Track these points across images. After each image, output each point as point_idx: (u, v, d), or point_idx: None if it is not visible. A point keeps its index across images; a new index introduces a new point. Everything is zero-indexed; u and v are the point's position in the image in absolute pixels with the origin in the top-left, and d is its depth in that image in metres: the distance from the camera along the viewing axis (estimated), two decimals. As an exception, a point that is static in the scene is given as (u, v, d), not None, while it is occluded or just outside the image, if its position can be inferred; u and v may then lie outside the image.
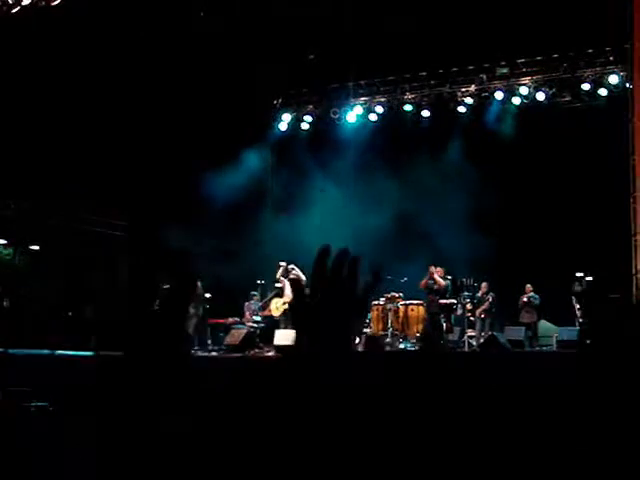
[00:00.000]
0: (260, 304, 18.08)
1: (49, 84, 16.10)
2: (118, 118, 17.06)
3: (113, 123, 17.03)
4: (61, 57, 16.00)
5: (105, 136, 16.98)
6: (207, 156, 18.49)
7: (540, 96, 18.33)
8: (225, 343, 17.04)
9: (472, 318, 16.80)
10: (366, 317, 17.11)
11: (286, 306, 16.79)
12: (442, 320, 16.33)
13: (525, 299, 16.81)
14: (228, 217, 19.16)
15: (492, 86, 18.83)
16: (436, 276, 16.33)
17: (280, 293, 17.26)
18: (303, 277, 17.14)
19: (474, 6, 16.24)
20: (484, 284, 16.90)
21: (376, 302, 16.96)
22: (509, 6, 16.11)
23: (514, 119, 18.91)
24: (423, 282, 16.47)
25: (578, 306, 16.22)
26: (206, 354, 16.71)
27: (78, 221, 17.91)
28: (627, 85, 16.63)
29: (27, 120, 16.12)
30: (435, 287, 16.34)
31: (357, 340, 15.69)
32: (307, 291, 1.88)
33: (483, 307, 16.70)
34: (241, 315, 18.27)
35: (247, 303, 18.28)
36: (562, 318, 16.49)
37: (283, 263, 17.28)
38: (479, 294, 16.90)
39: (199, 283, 17.08)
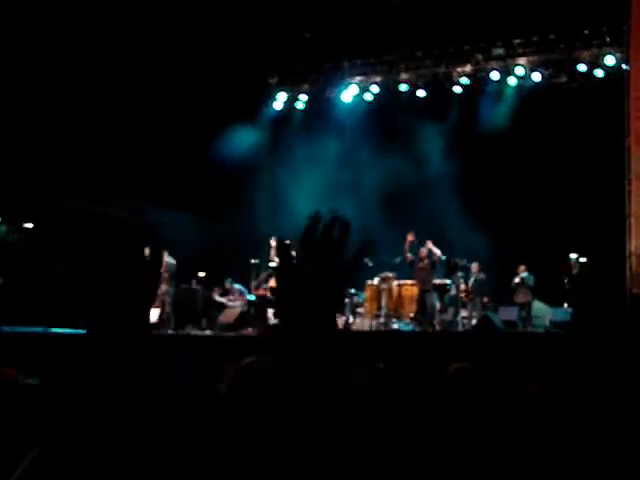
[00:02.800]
0: (254, 283, 18.09)
1: (43, 70, 16.02)
2: (112, 97, 16.98)
3: (107, 101, 16.95)
4: (55, 41, 15.93)
5: (99, 114, 16.90)
6: (202, 135, 18.45)
7: (536, 77, 18.28)
8: (219, 322, 17.05)
9: (465, 298, 16.82)
10: (357, 294, 17.16)
11: None
12: (436, 299, 16.36)
13: (518, 279, 16.84)
14: (221, 196, 19.14)
15: (488, 66, 18.76)
16: (433, 247, 16.25)
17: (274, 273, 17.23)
18: None
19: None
20: (474, 264, 16.87)
21: (370, 282, 16.98)
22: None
23: (510, 99, 18.87)
24: (423, 254, 16.34)
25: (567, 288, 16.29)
26: (198, 332, 16.76)
27: (74, 199, 17.84)
28: (623, 66, 16.59)
29: (22, 102, 16.04)
30: (434, 259, 16.30)
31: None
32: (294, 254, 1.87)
33: (471, 287, 16.71)
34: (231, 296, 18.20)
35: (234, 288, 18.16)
36: (555, 298, 16.56)
37: (274, 239, 16.98)
38: (472, 274, 16.90)
39: (171, 260, 17.00)
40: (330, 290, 1.83)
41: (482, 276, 16.81)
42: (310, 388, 1.71)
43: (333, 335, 1.79)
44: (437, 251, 16.28)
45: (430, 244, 16.27)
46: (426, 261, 16.32)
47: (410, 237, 16.33)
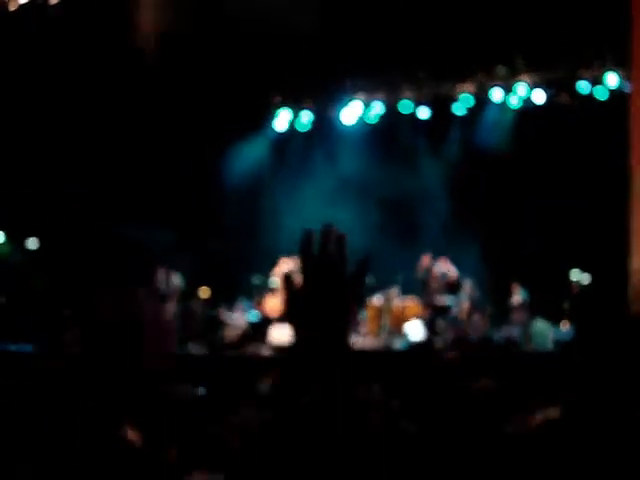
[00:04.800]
0: (256, 300, 18.09)
1: (45, 79, 16.07)
2: (113, 112, 17.03)
3: (107, 117, 16.99)
4: (57, 53, 15.99)
5: (99, 130, 16.94)
6: (204, 152, 18.48)
7: (538, 96, 18.30)
8: (222, 339, 17.00)
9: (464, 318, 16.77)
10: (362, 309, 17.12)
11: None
12: (438, 319, 16.36)
13: (516, 298, 16.78)
14: (223, 214, 19.14)
15: (490, 86, 18.79)
16: (449, 265, 16.18)
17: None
18: None
19: (473, 5, 16.24)
20: (467, 283, 16.81)
21: (371, 300, 16.95)
22: (508, 5, 16.11)
23: (511, 118, 18.89)
24: (435, 274, 16.31)
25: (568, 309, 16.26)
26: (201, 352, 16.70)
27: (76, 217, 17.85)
28: (626, 85, 16.62)
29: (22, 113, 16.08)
30: (449, 280, 16.27)
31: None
32: (297, 279, 1.86)
33: (469, 306, 16.66)
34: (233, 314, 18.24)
35: (236, 304, 18.25)
36: (556, 317, 16.52)
37: (285, 260, 17.00)
38: (465, 293, 16.81)
39: (177, 279, 17.04)
40: (338, 308, 1.81)
41: (477, 294, 16.72)
42: (328, 410, 1.69)
43: (347, 354, 1.78)
44: (453, 271, 16.23)
45: (445, 262, 16.19)
46: (439, 282, 16.32)
47: (425, 261, 16.33)
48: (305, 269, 1.84)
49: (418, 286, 16.71)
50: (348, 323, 1.84)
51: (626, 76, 16.62)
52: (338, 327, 1.79)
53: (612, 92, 17.50)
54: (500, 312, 17.18)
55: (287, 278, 1.87)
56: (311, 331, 1.78)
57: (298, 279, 1.86)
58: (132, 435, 3.14)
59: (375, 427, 1.71)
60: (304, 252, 1.82)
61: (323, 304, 1.80)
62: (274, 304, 16.84)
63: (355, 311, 1.89)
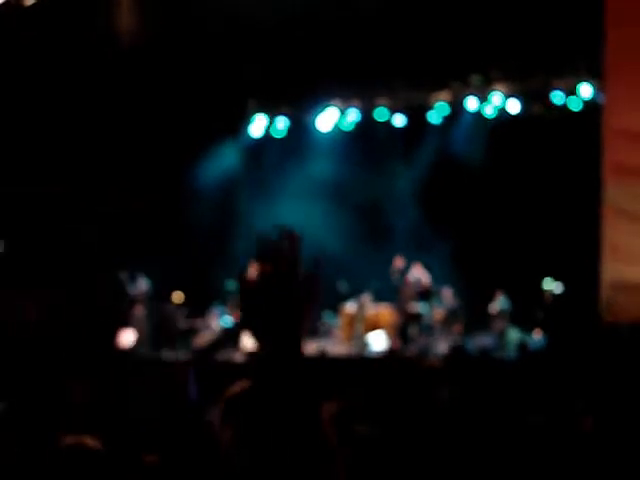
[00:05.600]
0: (230, 305, 18.07)
1: (29, 74, 15.98)
2: (88, 115, 16.94)
3: (81, 120, 16.90)
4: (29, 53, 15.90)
5: (72, 132, 16.83)
6: (179, 158, 18.42)
7: (512, 106, 18.41)
8: (193, 345, 16.94)
9: (437, 325, 16.82)
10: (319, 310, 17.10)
11: None
12: (410, 326, 16.40)
13: (495, 306, 16.87)
14: (197, 221, 19.07)
15: (465, 95, 18.88)
16: (422, 272, 16.23)
17: None
18: None
19: (448, 15, 16.33)
20: (447, 292, 16.90)
21: (345, 307, 16.96)
22: (483, 16, 16.22)
23: (486, 127, 18.99)
24: (408, 281, 16.37)
25: (541, 318, 16.35)
26: (176, 357, 16.67)
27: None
28: (599, 97, 16.76)
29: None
30: (421, 286, 16.32)
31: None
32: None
33: (444, 314, 16.72)
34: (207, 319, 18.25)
35: (211, 311, 18.31)
36: (529, 325, 16.60)
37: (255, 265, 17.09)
38: (443, 301, 16.91)
39: (144, 282, 17.04)
40: (293, 310, 1.81)
41: (455, 304, 16.83)
42: (281, 418, 1.68)
43: (300, 362, 1.76)
44: (426, 278, 16.27)
45: (418, 269, 16.21)
46: (413, 289, 16.37)
47: (398, 262, 16.34)
48: (260, 273, 1.84)
49: (391, 293, 16.73)
50: (302, 326, 1.83)
51: (599, 87, 16.77)
52: (292, 332, 1.79)
53: (586, 103, 17.63)
54: (476, 320, 17.26)
55: (243, 282, 1.86)
56: (265, 338, 1.78)
57: (254, 283, 1.85)
58: (91, 442, 3.13)
59: (327, 439, 1.70)
60: (259, 256, 1.82)
61: (276, 307, 1.80)
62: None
63: (310, 312, 1.88)
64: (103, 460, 3.08)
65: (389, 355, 15.36)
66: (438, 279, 16.95)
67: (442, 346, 16.28)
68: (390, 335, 16.46)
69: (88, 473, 3.01)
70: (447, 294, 16.91)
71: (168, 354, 16.85)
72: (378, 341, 15.90)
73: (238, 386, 2.67)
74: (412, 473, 3.08)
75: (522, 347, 15.45)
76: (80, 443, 3.08)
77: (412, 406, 3.94)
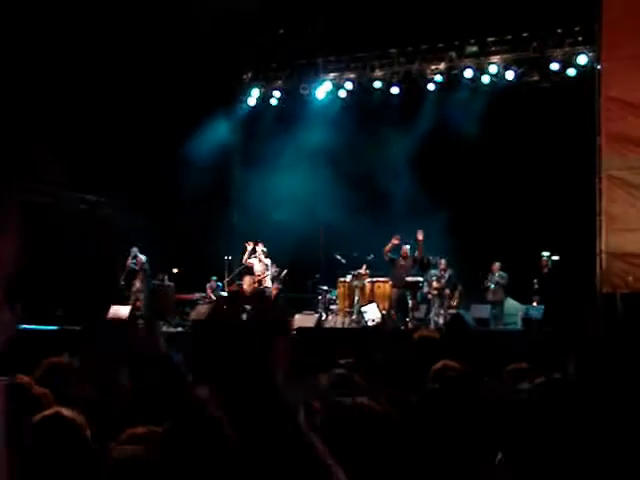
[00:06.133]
0: (226, 279, 18.13)
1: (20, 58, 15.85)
2: (85, 90, 16.83)
3: (79, 95, 16.79)
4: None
5: (73, 106, 16.72)
6: (176, 130, 18.33)
7: (509, 75, 18.33)
8: (190, 318, 16.98)
9: (430, 296, 16.84)
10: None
11: (256, 284, 16.79)
12: (408, 297, 16.42)
13: (493, 277, 16.90)
14: (194, 193, 19.01)
15: (461, 64, 18.79)
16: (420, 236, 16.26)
17: (250, 271, 17.20)
18: (268, 261, 17.14)
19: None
20: (442, 261, 16.90)
21: (342, 279, 16.99)
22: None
23: (482, 97, 18.91)
24: (405, 251, 16.43)
25: (538, 286, 16.39)
26: (171, 329, 16.71)
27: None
28: (595, 66, 16.69)
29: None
30: (416, 256, 16.38)
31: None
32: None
33: (439, 284, 16.73)
34: (205, 291, 18.34)
35: (208, 284, 18.39)
36: (527, 296, 16.65)
37: (250, 244, 17.28)
38: (439, 271, 16.89)
39: (142, 257, 17.06)
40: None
41: (450, 273, 16.82)
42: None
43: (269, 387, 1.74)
44: (421, 243, 16.30)
45: (420, 235, 16.18)
46: (408, 259, 16.40)
47: (395, 240, 16.35)
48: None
49: (388, 265, 16.74)
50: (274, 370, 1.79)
51: (596, 55, 16.70)
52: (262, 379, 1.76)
53: (582, 71, 17.55)
54: (473, 291, 17.30)
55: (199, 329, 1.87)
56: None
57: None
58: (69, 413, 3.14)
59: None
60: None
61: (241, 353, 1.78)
62: (246, 283, 16.79)
63: (284, 347, 1.85)
64: (81, 431, 3.08)
65: (385, 326, 15.41)
66: (435, 250, 16.94)
67: (440, 317, 16.36)
68: (387, 307, 16.49)
69: (66, 445, 3.02)
70: (440, 264, 16.91)
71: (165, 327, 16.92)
72: (373, 312, 15.94)
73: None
74: (411, 443, 3.08)
75: (525, 318, 15.56)
76: (58, 414, 3.10)
77: (409, 377, 3.95)
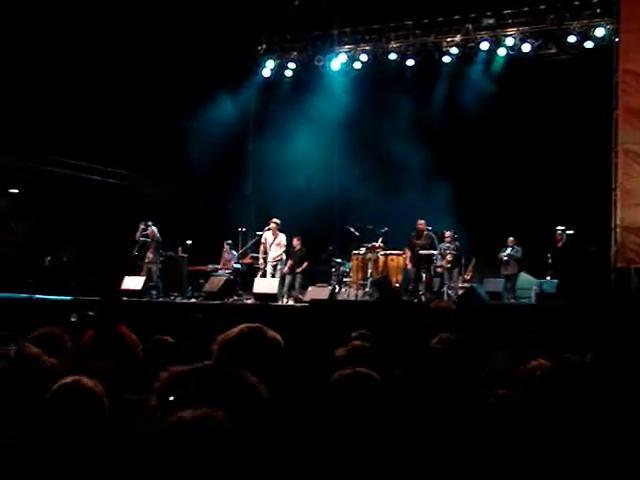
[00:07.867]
0: (240, 251, 18.13)
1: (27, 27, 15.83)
2: (98, 59, 16.81)
3: (87, 69, 16.76)
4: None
5: (79, 82, 16.69)
6: (190, 102, 18.28)
7: (526, 47, 18.16)
8: (204, 290, 17.04)
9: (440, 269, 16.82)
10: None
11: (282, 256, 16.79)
12: (422, 271, 16.45)
13: (507, 251, 16.88)
14: (208, 165, 18.99)
15: (478, 36, 18.64)
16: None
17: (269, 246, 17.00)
18: (282, 236, 16.96)
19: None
20: (448, 233, 16.82)
21: (356, 252, 16.98)
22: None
23: (499, 70, 18.78)
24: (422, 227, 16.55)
25: (551, 261, 16.37)
26: (185, 301, 16.79)
27: (57, 165, 17.71)
28: (613, 38, 16.54)
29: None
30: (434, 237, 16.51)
31: None
32: None
33: (447, 257, 16.66)
34: (219, 262, 18.33)
35: (223, 250, 18.33)
36: (541, 270, 16.63)
37: (276, 221, 16.84)
38: (445, 243, 16.79)
39: (154, 228, 17.06)
40: None
41: (455, 244, 16.67)
42: None
43: None
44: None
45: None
46: (424, 234, 16.44)
47: (421, 225, 16.41)
48: None
49: (402, 237, 16.72)
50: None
51: (614, 28, 16.54)
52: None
53: (599, 44, 17.37)
54: (487, 264, 17.28)
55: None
56: None
57: None
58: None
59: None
60: None
61: None
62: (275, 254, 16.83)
63: None
64: (100, 400, 3.13)
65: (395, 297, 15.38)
66: (447, 224, 16.90)
67: (453, 290, 16.35)
68: (400, 280, 16.49)
69: (84, 412, 3.06)
70: (447, 235, 16.82)
71: (179, 299, 17.01)
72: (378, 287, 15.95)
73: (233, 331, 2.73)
74: (420, 414, 3.10)
75: (539, 293, 15.56)
76: (77, 382, 3.13)
77: (422, 349, 3.96)
